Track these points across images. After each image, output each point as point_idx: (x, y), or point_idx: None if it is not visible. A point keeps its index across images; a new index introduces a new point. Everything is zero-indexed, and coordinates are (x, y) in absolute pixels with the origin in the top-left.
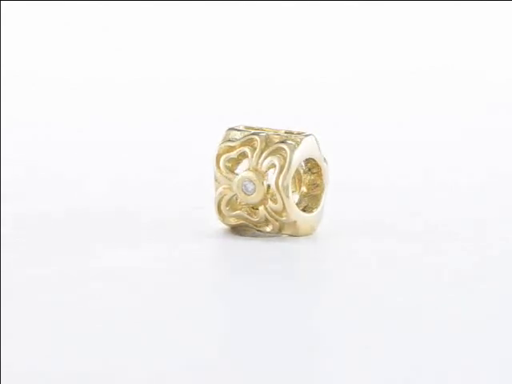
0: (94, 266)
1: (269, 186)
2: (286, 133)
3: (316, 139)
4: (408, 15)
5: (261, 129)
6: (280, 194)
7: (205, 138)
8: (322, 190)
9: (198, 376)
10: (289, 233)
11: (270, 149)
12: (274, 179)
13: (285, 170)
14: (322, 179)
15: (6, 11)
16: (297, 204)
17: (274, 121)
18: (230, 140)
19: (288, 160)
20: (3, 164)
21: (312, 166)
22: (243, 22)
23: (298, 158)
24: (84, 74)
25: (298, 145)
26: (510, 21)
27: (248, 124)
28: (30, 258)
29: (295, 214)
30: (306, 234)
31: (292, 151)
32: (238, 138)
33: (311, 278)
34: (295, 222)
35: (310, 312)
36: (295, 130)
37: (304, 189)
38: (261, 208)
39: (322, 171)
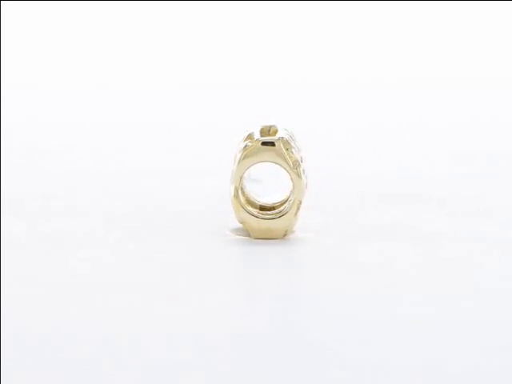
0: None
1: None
2: (272, 135)
3: (281, 145)
4: (399, 15)
5: (271, 129)
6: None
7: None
8: (294, 198)
9: (200, 375)
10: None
11: (240, 148)
12: None
13: (234, 170)
14: (294, 187)
15: (5, 12)
16: (289, 208)
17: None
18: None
19: (237, 161)
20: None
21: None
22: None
23: (248, 160)
24: (100, 80)
25: (251, 148)
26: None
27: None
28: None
29: (242, 215)
30: (269, 238)
31: (242, 153)
32: (245, 135)
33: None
34: (244, 223)
35: (307, 312)
36: (295, 134)
37: (289, 194)
38: None
39: (291, 178)
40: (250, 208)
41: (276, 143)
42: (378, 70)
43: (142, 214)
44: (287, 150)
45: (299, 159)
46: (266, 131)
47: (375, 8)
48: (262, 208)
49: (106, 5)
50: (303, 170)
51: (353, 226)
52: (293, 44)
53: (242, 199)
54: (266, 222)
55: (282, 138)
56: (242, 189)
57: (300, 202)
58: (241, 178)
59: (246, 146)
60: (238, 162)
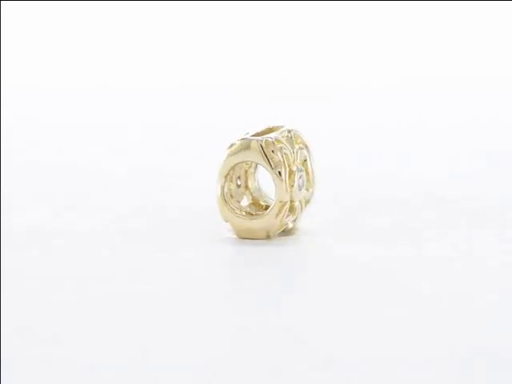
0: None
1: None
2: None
3: (262, 145)
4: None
5: (274, 130)
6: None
7: None
8: (275, 199)
9: (198, 376)
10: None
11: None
12: None
13: (219, 169)
14: (275, 188)
15: (5, 12)
16: (270, 210)
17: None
18: None
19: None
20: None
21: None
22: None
23: (230, 159)
24: (101, 81)
25: (235, 147)
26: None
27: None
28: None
29: (225, 214)
30: (252, 238)
31: (226, 152)
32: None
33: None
34: (227, 222)
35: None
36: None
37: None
38: None
39: (273, 178)
40: (252, 207)
41: (257, 143)
42: (379, 71)
43: (142, 214)
44: (273, 151)
45: (287, 161)
46: (265, 131)
47: (375, 8)
48: (268, 208)
49: (106, 5)
50: (294, 172)
51: (353, 226)
52: (293, 44)
53: (249, 199)
54: (248, 221)
55: (267, 138)
56: (249, 189)
57: (283, 204)
58: (225, 176)
59: (231, 145)
60: (223, 161)
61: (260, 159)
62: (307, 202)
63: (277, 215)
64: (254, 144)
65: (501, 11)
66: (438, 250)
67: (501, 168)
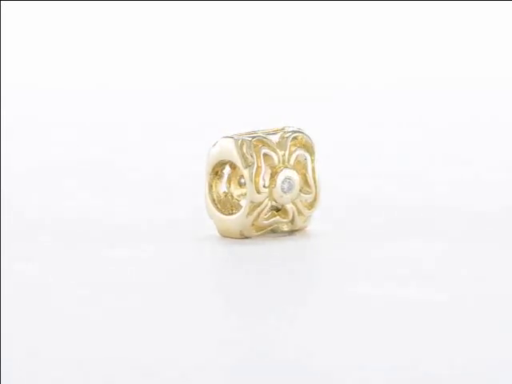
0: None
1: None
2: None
3: (238, 143)
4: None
5: (272, 130)
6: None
7: None
8: (247, 198)
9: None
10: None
11: None
12: None
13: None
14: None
15: (5, 12)
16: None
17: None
18: None
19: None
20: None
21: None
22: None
23: (211, 157)
24: (89, 81)
25: (216, 145)
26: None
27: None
28: (26, 254)
29: (211, 212)
30: (230, 236)
31: (210, 149)
32: None
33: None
34: (213, 220)
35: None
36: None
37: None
38: None
39: (245, 178)
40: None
41: (233, 142)
42: (379, 71)
43: (139, 214)
44: (251, 155)
45: (269, 163)
46: (272, 131)
47: (375, 8)
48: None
49: (106, 5)
50: (278, 173)
51: (352, 226)
52: (293, 44)
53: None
54: (224, 220)
55: (244, 138)
56: None
57: (255, 205)
58: (209, 174)
59: (215, 143)
60: (206, 160)
61: (235, 158)
62: (310, 205)
63: (247, 215)
64: (230, 143)
65: (501, 11)
66: (439, 250)
67: (501, 168)
